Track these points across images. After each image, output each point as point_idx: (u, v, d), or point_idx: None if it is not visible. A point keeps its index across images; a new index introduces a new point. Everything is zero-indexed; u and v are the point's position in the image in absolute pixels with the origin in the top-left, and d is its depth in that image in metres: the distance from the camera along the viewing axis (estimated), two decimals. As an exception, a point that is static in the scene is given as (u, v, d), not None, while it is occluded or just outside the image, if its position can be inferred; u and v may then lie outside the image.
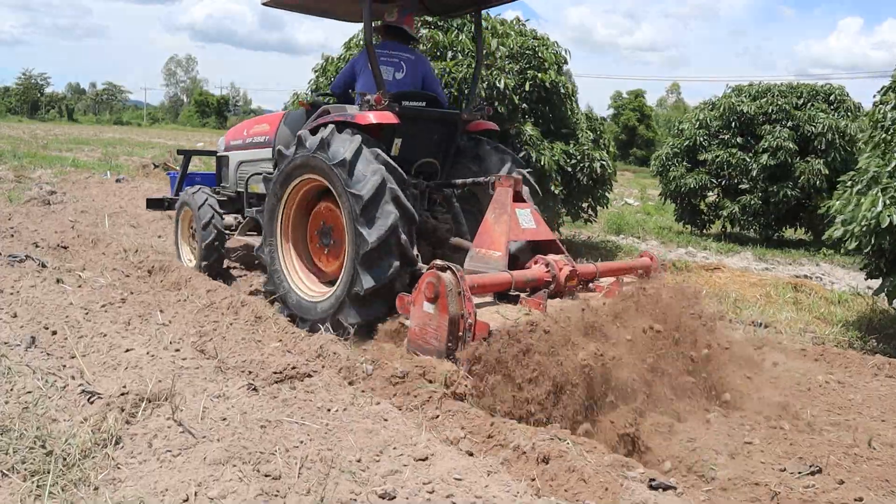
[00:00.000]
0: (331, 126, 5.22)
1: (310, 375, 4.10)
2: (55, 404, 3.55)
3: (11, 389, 3.69)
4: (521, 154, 8.87)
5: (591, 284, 4.92)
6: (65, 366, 4.04)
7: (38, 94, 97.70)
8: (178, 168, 8.59)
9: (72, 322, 4.71)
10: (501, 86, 8.61)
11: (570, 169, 9.60)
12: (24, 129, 56.55)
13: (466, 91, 8.37)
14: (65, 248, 7.60)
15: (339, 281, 5.21)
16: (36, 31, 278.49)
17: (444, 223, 5.98)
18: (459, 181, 5.84)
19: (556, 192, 9.24)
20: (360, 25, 7.10)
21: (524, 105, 9.31)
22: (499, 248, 4.62)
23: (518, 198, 4.95)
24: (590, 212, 10.77)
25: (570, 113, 10.06)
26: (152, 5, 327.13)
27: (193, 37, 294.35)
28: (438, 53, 8.98)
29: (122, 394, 3.52)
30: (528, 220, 4.89)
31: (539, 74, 9.46)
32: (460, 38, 8.91)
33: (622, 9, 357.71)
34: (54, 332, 4.50)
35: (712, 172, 15.58)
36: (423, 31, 9.25)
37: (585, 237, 13.28)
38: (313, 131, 5.37)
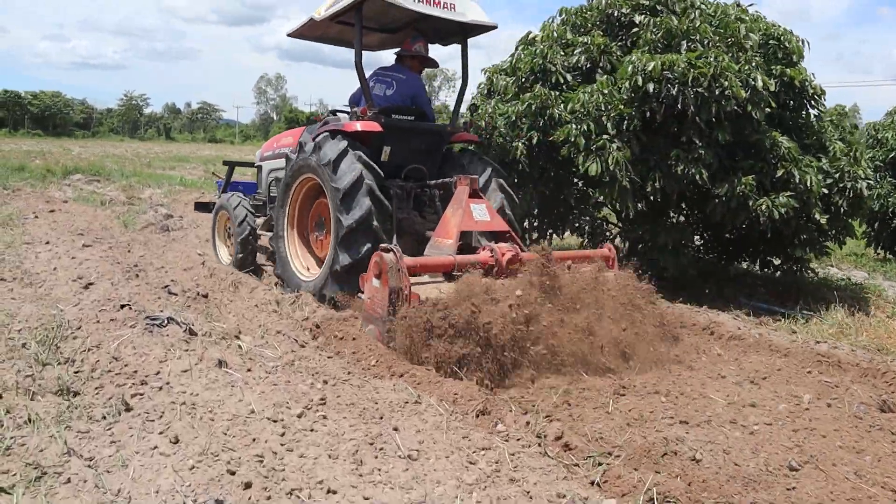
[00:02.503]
0: (325, 134, 6.13)
1: None
2: None
3: None
4: (780, 174, 6.70)
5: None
6: (286, 574, 2.14)
7: (138, 115, 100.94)
8: (223, 177, 9.45)
9: (267, 457, 2.84)
10: (759, 84, 6.46)
11: (825, 190, 7.33)
12: (125, 147, 57.77)
13: (719, 91, 6.31)
14: (205, 296, 5.88)
15: (325, 261, 6.08)
16: (135, 55, 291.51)
17: (429, 221, 6.44)
18: (433, 182, 6.47)
19: (822, 220, 6.99)
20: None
21: (768, 109, 7.11)
22: (450, 237, 5.26)
23: (475, 195, 5.53)
24: (831, 244, 8.39)
25: (814, 119, 7.80)
26: (241, 27, 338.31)
27: (280, 56, 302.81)
28: (668, 43, 6.90)
29: None
30: (483, 214, 5.45)
31: (788, 70, 7.26)
32: (697, 24, 6.82)
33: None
34: (247, 485, 2.63)
35: (926, 190, 12.89)
36: (638, 18, 7.23)
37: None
38: (315, 138, 6.21)
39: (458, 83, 7.01)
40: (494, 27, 6.70)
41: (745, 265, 8.63)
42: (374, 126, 6.07)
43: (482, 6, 6.54)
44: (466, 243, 5.83)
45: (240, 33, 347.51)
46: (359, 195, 5.67)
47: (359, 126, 6.05)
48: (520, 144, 6.86)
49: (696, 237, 8.72)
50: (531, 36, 8.34)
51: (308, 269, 6.59)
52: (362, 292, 5.06)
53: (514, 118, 7.09)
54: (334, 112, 7.24)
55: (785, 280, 8.62)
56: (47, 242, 8.78)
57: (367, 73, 6.55)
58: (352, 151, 5.84)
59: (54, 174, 21.13)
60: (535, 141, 6.86)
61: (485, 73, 8.59)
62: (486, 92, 8.36)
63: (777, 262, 8.23)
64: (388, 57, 7.76)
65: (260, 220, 7.86)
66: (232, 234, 7.84)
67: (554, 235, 8.60)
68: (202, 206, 9.76)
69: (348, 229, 5.62)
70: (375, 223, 5.67)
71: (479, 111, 7.65)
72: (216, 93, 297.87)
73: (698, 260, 7.84)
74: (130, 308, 5.16)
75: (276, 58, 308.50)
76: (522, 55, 7.63)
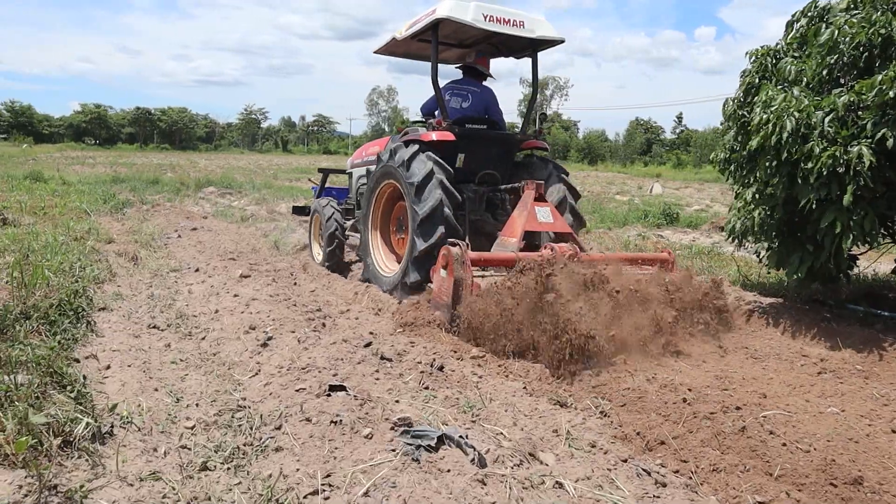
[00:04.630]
0: (400, 143, 6.66)
1: None
2: None
3: None
4: None
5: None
6: None
7: (257, 128, 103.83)
8: (318, 182, 9.94)
9: None
10: None
11: None
12: (247, 159, 58.80)
13: None
14: (440, 368, 4.05)
15: (405, 252, 6.35)
16: (253, 71, 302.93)
17: (500, 222, 6.60)
18: (503, 186, 6.91)
19: None
20: None
21: None
22: (515, 236, 5.59)
23: (540, 198, 5.90)
24: None
25: None
26: (352, 42, 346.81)
27: (390, 69, 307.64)
28: None
29: None
30: (546, 216, 5.79)
31: None
32: None
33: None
34: None
35: None
36: None
37: None
38: (391, 149, 6.68)
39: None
40: (562, 41, 6.99)
41: None
42: (448, 136, 6.45)
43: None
44: (536, 244, 6.00)
45: (351, 48, 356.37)
46: (430, 186, 6.03)
47: (434, 136, 6.43)
48: (863, 149, 4.69)
49: None
50: (821, 4, 6.16)
51: (390, 267, 6.94)
52: (431, 282, 5.42)
53: (842, 112, 4.94)
54: (413, 123, 7.46)
55: None
56: (197, 270, 7.36)
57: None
58: (423, 153, 6.25)
59: (188, 187, 20.49)
60: (889, 143, 4.67)
61: (751, 57, 6.45)
62: (757, 81, 6.23)
63: None
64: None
65: (350, 223, 8.46)
66: (323, 235, 8.32)
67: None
68: (299, 210, 10.25)
69: (423, 217, 5.94)
70: (447, 210, 6.00)
71: (762, 104, 5.53)
72: (329, 105, 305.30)
73: None
74: (348, 392, 3.42)
75: (385, 71, 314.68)
76: (837, 26, 5.42)
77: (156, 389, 3.69)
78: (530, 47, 7.18)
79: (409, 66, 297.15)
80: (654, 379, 4.14)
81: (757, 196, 5.82)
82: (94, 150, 69.65)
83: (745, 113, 6.23)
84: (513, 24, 6.58)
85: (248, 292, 6.09)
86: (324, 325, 5.07)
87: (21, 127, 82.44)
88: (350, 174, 8.98)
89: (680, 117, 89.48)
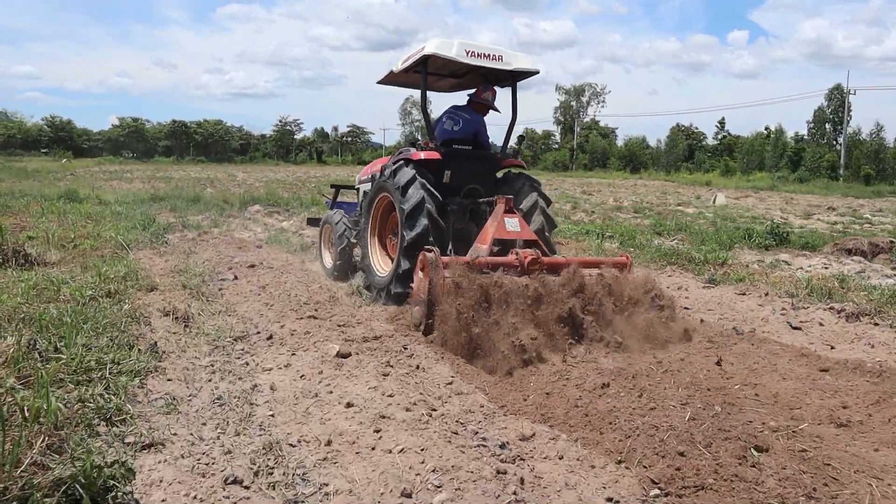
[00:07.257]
0: (401, 162, 7.20)
1: None
2: None
3: None
4: None
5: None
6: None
7: (292, 139, 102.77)
8: (329, 197, 10.59)
9: None
10: None
11: None
12: (283, 171, 57.34)
13: None
14: None
15: (393, 265, 7.19)
16: (286, 83, 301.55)
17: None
18: (482, 200, 7.55)
19: None
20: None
21: None
22: (485, 243, 6.26)
23: (510, 211, 6.56)
24: None
25: None
26: (383, 52, 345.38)
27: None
28: None
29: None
30: (514, 226, 6.44)
31: None
32: None
33: (865, 17, 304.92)
34: None
35: None
36: None
37: None
38: (392, 165, 7.33)
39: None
40: (537, 72, 7.79)
41: None
42: (434, 155, 7.27)
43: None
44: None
45: (382, 58, 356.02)
46: (413, 187, 6.84)
47: (422, 155, 7.22)
48: None
49: None
50: None
51: (385, 269, 7.55)
52: (412, 283, 6.01)
53: None
54: (409, 144, 7.90)
55: None
56: (271, 338, 5.37)
57: (440, 110, 8.32)
58: (418, 179, 6.91)
59: (231, 205, 18.60)
60: None
61: None
62: None
63: None
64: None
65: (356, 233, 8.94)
66: (333, 244, 8.78)
67: None
68: (313, 222, 10.51)
69: (408, 212, 6.72)
70: (428, 206, 6.78)
71: None
72: (361, 116, 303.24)
73: None
74: None
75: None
76: None
77: None
78: (510, 78, 8.01)
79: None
80: None
81: None
82: (132, 163, 68.82)
83: None
84: (492, 58, 7.32)
85: (363, 393, 4.03)
86: (522, 482, 2.96)
87: (61, 141, 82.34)
88: (358, 189, 9.62)
89: (722, 122, 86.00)
